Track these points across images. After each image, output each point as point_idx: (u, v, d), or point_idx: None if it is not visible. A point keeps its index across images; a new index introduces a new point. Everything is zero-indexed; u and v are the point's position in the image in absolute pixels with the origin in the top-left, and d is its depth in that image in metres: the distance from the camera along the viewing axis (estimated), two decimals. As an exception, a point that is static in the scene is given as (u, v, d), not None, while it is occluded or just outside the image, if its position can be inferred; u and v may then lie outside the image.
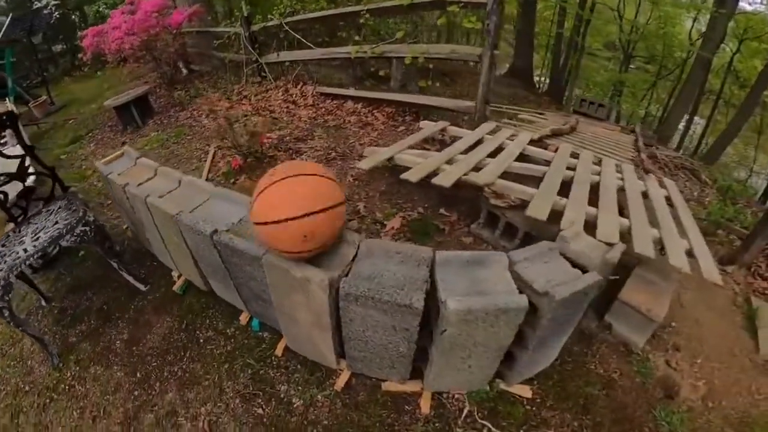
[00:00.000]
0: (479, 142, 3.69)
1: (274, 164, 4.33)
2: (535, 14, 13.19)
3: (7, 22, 7.75)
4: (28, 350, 2.64)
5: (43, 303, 3.02)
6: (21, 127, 3.50)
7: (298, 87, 6.24)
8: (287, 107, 5.85)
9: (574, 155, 3.67)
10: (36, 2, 10.05)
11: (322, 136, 4.80)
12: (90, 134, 6.64)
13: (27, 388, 2.42)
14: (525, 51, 14.30)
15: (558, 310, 1.68)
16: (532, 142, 3.86)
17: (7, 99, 6.92)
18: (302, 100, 5.99)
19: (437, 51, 4.44)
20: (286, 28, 5.80)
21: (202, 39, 7.84)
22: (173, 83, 7.70)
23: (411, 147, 3.65)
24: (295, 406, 2.12)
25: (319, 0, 6.20)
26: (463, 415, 2.04)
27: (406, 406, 2.09)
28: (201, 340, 2.54)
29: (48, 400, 2.33)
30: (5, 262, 2.36)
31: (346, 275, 1.86)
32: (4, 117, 3.13)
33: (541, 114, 6.57)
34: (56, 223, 2.70)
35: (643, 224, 2.44)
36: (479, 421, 2.02)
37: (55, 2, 9.82)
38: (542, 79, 16.36)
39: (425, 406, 2.05)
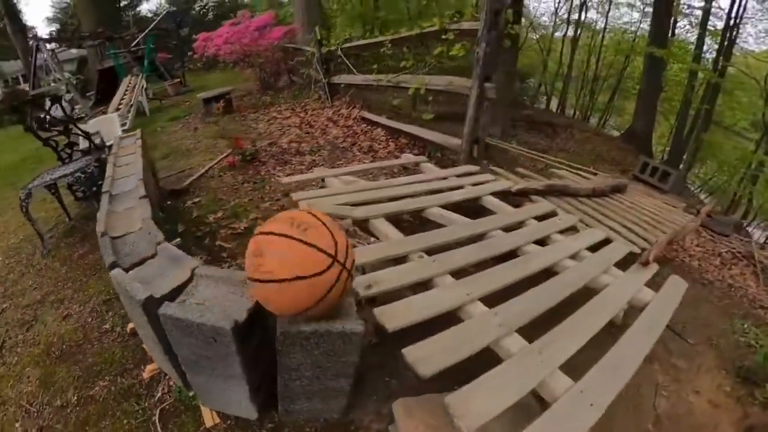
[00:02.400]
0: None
1: (260, 167, 4.31)
2: (661, 74, 11.18)
3: (161, 16, 9.44)
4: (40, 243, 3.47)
5: (67, 220, 3.79)
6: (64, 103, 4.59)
7: (349, 109, 6.18)
8: (326, 125, 5.81)
9: (545, 217, 2.83)
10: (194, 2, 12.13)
11: (323, 154, 4.61)
12: (186, 117, 7.46)
13: (24, 261, 3.28)
14: (646, 114, 12.22)
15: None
16: (502, 195, 3.09)
17: (140, 75, 8.29)
18: (343, 120, 5.90)
19: (437, 83, 3.91)
20: (340, 53, 5.79)
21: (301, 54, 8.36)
22: (267, 88, 8.32)
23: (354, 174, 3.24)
24: (105, 325, 2.44)
25: (373, 31, 6.05)
26: (155, 398, 1.94)
27: (143, 366, 2.12)
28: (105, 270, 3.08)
29: (27, 270, 3.15)
30: (39, 180, 3.38)
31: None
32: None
33: (592, 173, 5.38)
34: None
35: (458, 336, 1.58)
36: (155, 411, 1.88)
37: (213, 3, 11.67)
38: (665, 148, 13.75)
39: (147, 372, 2.05)
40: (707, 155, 11.32)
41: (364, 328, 1.39)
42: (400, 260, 1.99)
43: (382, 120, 5.37)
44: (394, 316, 1.54)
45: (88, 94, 10.68)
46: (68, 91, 9.35)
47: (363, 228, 2.34)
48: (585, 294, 2.12)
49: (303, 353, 1.41)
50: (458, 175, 3.25)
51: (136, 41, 9.28)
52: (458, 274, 1.93)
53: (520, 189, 3.14)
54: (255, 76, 9.13)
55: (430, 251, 2.07)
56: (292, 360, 1.44)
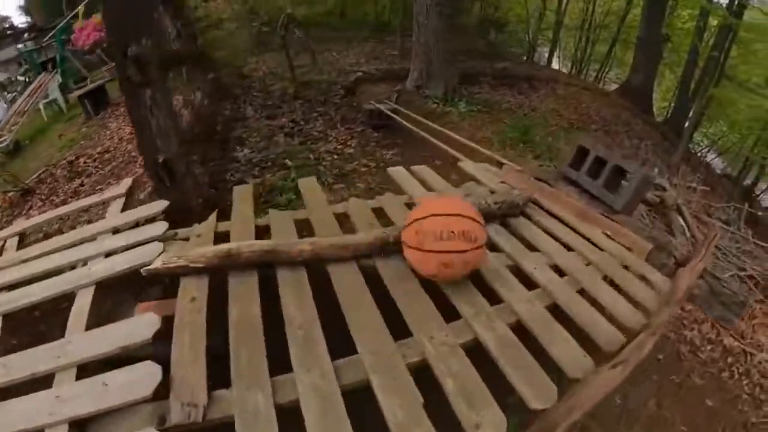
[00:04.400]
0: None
1: (29, 201, 3.30)
2: (662, 18, 8.62)
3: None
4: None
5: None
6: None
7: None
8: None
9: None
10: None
11: (103, 172, 3.62)
12: (80, 116, 6.40)
13: None
14: (645, 65, 9.76)
15: None
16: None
17: (56, 71, 6.92)
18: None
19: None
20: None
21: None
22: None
23: None
24: None
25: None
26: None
27: None
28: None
29: None
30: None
31: None
32: None
33: (498, 164, 2.96)
34: None
35: None
36: None
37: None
38: (670, 104, 11.09)
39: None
40: (717, 114, 8.77)
41: None
42: None
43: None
44: None
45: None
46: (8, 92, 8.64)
47: None
48: None
49: None
50: (117, 229, 1.97)
51: (52, 33, 7.88)
52: None
53: (152, 272, 1.59)
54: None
55: None
56: None
